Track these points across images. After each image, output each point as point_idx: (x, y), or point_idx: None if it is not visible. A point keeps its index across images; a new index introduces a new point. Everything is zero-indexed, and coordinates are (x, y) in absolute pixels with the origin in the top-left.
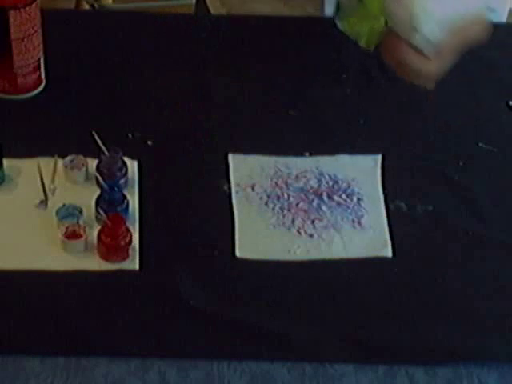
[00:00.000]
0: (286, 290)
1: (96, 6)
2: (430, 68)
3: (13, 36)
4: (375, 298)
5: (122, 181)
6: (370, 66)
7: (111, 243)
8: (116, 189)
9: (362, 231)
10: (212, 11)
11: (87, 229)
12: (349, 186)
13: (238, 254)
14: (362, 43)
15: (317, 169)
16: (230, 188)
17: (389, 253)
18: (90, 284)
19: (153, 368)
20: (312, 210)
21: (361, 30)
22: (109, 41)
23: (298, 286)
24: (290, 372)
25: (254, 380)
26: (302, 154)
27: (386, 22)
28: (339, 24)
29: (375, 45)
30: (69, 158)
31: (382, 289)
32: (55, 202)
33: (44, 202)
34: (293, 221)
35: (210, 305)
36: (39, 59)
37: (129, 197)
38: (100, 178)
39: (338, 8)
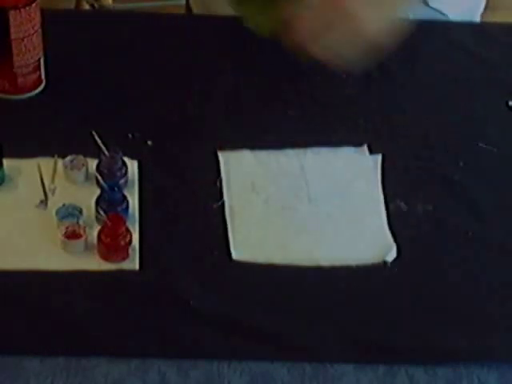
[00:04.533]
0: (286, 291)
1: (96, 5)
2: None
3: (13, 36)
4: (375, 298)
5: (121, 181)
6: (369, 66)
7: (111, 243)
8: (116, 189)
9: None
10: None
11: (87, 229)
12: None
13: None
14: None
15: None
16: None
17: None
18: (89, 284)
19: (153, 368)
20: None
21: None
22: (109, 41)
23: (297, 287)
24: (290, 372)
25: (254, 380)
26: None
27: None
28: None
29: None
30: (69, 158)
31: (381, 289)
32: (55, 202)
33: (44, 202)
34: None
35: (209, 305)
36: (39, 59)
37: (129, 197)
38: (100, 178)
39: None
